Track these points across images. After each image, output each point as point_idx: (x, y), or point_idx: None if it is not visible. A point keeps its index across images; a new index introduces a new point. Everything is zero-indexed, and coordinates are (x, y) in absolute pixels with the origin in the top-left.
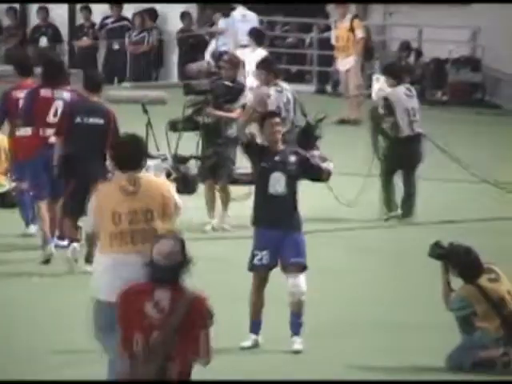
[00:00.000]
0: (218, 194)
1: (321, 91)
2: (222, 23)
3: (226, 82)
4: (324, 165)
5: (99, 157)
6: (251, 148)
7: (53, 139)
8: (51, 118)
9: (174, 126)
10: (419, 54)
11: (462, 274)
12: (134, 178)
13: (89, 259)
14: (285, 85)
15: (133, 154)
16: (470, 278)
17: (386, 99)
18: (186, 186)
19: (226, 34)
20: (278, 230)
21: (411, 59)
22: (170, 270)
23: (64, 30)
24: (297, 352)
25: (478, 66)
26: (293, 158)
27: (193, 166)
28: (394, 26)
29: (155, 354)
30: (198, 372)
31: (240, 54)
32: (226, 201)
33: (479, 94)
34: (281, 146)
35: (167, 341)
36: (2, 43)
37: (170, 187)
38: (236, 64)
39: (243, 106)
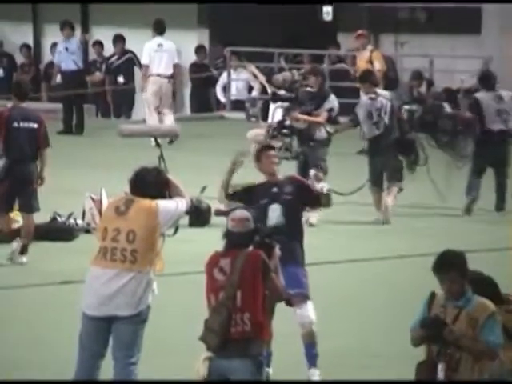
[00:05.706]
0: None
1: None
2: None
3: (309, 89)
4: (318, 186)
5: (33, 158)
6: (236, 196)
7: None
8: None
9: (271, 135)
10: (430, 83)
11: None
12: (128, 200)
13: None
14: (384, 92)
15: (138, 183)
16: None
17: (475, 99)
18: (198, 218)
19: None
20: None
21: (423, 88)
22: (242, 236)
23: None
24: None
25: None
26: (289, 187)
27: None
28: (406, 57)
29: (221, 308)
30: None
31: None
32: None
33: None
34: (278, 177)
35: (230, 296)
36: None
37: (159, 210)
38: (317, 72)
39: (329, 111)
